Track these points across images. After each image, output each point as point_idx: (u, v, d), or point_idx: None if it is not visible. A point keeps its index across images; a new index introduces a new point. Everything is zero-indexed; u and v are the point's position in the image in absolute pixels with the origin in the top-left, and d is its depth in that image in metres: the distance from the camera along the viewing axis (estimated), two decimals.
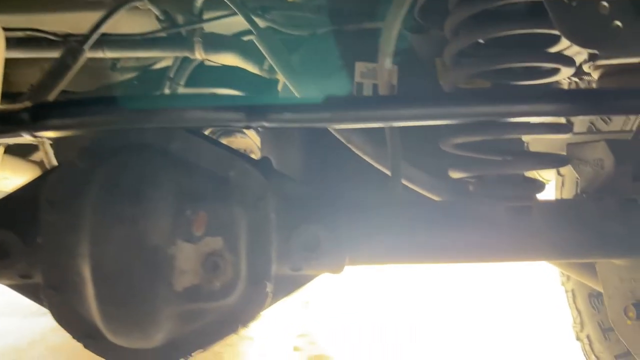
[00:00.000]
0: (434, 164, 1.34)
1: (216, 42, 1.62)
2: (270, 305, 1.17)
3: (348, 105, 1.01)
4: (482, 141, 1.24)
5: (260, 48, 1.30)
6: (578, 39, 1.05)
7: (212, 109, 0.96)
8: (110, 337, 1.05)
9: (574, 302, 1.94)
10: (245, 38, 1.71)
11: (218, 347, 2.88)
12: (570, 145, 1.42)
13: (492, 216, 1.21)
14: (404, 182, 1.34)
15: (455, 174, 1.28)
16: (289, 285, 1.22)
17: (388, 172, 1.31)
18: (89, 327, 1.07)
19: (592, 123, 1.85)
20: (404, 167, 1.31)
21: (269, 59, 1.30)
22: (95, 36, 1.19)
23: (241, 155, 1.16)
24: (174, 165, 1.07)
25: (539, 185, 1.27)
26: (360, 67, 1.54)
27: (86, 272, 1.01)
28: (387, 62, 1.04)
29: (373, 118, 1.08)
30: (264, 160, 1.19)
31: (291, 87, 1.28)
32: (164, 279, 1.02)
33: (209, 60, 1.81)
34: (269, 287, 1.11)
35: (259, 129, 0.99)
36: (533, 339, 3.22)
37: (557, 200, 1.28)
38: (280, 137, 1.62)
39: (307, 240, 1.14)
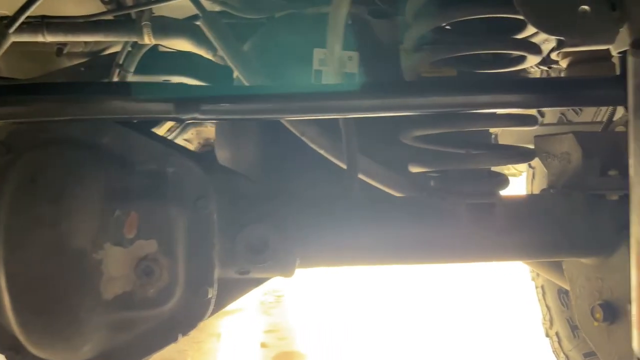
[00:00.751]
0: (395, 157, 1.26)
1: (166, 26, 1.51)
2: (214, 311, 1.08)
3: (293, 95, 0.92)
4: (444, 134, 1.17)
5: (206, 32, 1.20)
6: (543, 25, 0.97)
7: (135, 100, 0.86)
8: (33, 349, 0.96)
9: (544, 298, 1.90)
10: (198, 22, 1.61)
11: (182, 345, 2.80)
12: (537, 138, 1.35)
13: (452, 214, 1.13)
14: (362, 176, 1.26)
15: (415, 169, 1.20)
16: (236, 289, 1.13)
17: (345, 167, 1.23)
18: (11, 339, 0.97)
19: (562, 114, 1.79)
20: (361, 160, 1.23)
21: (215, 43, 1.20)
22: (21, 18, 1.08)
23: (181, 150, 1.07)
24: (103, 161, 0.97)
25: (504, 180, 1.20)
26: (318, 53, 1.45)
27: (1, 279, 0.91)
28: (336, 49, 0.95)
29: (321, 109, 0.99)
30: (207, 154, 1.10)
31: (240, 76, 1.19)
32: (91, 287, 0.93)
33: (161, 46, 1.70)
34: (211, 293, 1.03)
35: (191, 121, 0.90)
36: (504, 334, 3.19)
37: (522, 196, 1.21)
38: (235, 129, 1.52)
39: (254, 241, 1.05)
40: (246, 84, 1.18)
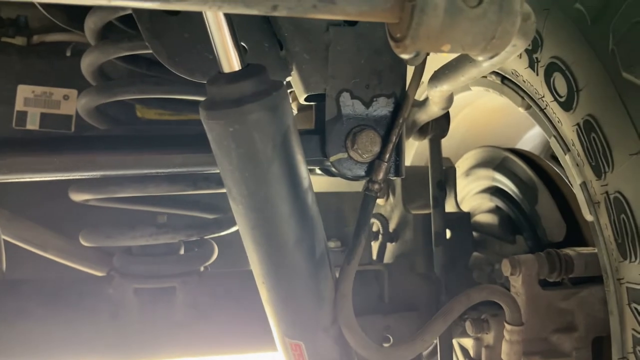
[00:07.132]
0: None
1: None
2: None
3: None
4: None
5: None
6: (177, 66, 0.76)
7: None
8: None
9: None
10: None
11: None
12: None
13: (119, 302, 0.88)
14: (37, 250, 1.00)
15: (85, 241, 0.94)
16: None
17: None
18: None
19: None
20: (27, 230, 0.97)
21: None
22: None
23: None
24: None
25: (207, 254, 0.97)
26: (24, 91, 1.20)
27: None
28: None
29: None
30: None
31: None
32: None
33: None
34: None
35: None
36: None
37: (223, 273, 0.97)
38: None
39: None
40: None
